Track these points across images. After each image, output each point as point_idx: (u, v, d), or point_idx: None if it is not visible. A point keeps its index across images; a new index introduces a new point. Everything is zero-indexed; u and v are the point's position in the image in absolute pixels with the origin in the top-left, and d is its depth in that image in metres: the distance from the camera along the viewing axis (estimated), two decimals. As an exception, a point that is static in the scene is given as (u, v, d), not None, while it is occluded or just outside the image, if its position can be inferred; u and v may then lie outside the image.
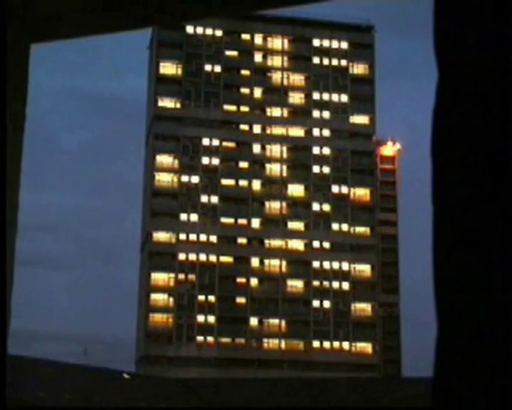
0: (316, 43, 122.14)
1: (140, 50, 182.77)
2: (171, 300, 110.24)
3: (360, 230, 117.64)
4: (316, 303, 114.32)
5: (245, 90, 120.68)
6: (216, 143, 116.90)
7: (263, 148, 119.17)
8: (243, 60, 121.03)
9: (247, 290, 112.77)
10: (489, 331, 1.03)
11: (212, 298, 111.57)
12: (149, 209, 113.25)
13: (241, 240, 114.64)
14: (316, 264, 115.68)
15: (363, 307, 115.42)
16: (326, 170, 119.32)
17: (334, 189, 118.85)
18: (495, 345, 1.02)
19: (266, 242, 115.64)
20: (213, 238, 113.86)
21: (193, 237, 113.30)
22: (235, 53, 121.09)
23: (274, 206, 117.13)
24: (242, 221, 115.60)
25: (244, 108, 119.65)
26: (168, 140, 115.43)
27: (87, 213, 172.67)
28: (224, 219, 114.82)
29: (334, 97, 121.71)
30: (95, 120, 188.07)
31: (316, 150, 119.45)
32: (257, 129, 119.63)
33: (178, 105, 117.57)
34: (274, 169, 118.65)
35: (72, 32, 2.79)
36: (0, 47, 2.51)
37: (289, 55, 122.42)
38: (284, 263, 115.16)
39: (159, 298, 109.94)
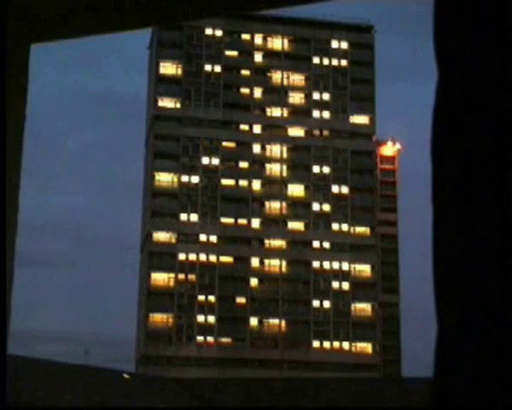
0: (316, 43, 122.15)
1: (140, 50, 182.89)
2: (171, 300, 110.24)
3: (360, 230, 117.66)
4: (316, 303, 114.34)
5: (245, 90, 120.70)
6: (216, 143, 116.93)
7: (263, 148, 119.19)
8: (243, 60, 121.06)
9: (247, 290, 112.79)
10: (489, 331, 1.03)
11: (212, 298, 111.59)
12: (149, 209, 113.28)
13: (241, 240, 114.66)
14: (316, 264, 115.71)
15: (363, 307, 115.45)
16: (326, 170, 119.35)
17: (334, 189, 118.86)
18: (495, 345, 1.02)
19: (266, 242, 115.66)
20: (213, 238, 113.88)
21: (193, 237, 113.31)
22: (235, 53, 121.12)
23: (274, 206, 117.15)
24: (242, 221, 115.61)
25: (244, 108, 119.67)
26: (168, 140, 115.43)
27: (87, 213, 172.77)
28: (223, 219, 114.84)
29: (334, 97, 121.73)
30: (96, 120, 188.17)
31: (316, 150, 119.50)
32: (257, 129, 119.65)
33: (178, 105, 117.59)
34: (274, 169, 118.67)
35: (73, 32, 2.79)
36: (0, 47, 2.51)
37: (289, 55, 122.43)
38: (284, 263, 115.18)
39: (159, 298, 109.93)
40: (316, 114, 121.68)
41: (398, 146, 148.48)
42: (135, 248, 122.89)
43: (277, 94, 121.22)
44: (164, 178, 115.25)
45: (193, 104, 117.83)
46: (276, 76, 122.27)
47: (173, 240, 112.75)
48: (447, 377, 1.05)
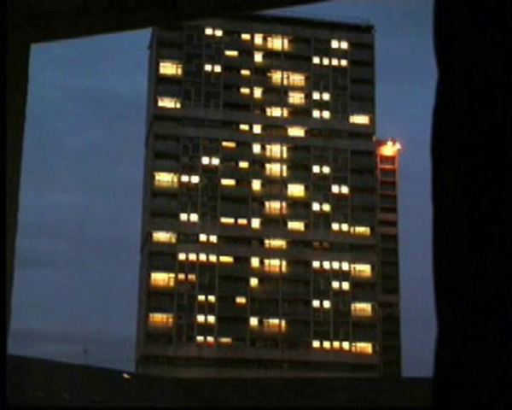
0: (316, 43, 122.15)
1: (140, 50, 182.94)
2: (171, 300, 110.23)
3: (360, 230, 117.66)
4: (316, 303, 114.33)
5: (245, 90, 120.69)
6: (216, 143, 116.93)
7: (263, 148, 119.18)
8: (243, 60, 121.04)
9: (247, 290, 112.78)
10: (489, 331, 1.02)
11: (212, 298, 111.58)
12: (149, 209, 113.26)
13: (241, 240, 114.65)
14: (316, 264, 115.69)
15: (363, 307, 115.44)
16: (326, 170, 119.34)
17: (334, 189, 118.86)
18: (495, 345, 1.01)
19: (266, 242, 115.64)
20: (213, 238, 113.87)
21: (193, 237, 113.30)
22: (235, 53, 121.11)
23: (274, 206, 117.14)
24: (242, 221, 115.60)
25: (244, 108, 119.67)
26: (168, 140, 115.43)
27: (87, 213, 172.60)
28: (223, 219, 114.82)
29: (334, 97, 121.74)
30: (96, 119, 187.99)
31: (316, 150, 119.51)
32: (257, 129, 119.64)
33: (178, 105, 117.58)
34: (274, 169, 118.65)
35: (73, 32, 2.79)
36: (0, 47, 2.51)
37: (289, 55, 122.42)
38: (284, 263, 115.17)
39: (159, 298, 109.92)
40: (316, 114, 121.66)
41: (398, 146, 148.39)
42: (135, 248, 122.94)
43: (277, 94, 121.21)
44: (164, 178, 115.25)
45: (193, 104, 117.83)
46: (276, 76, 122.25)
47: (173, 240, 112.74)
48: (447, 377, 1.05)
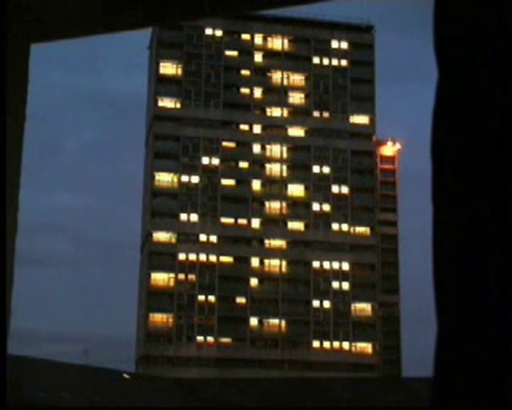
0: (316, 43, 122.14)
1: (140, 50, 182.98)
2: (171, 300, 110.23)
3: (360, 230, 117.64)
4: (316, 303, 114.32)
5: (245, 90, 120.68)
6: (216, 143, 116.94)
7: (263, 148, 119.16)
8: (243, 60, 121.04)
9: (247, 290, 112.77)
10: (489, 331, 1.02)
11: (212, 298, 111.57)
12: (149, 209, 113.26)
13: (241, 240, 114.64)
14: (316, 264, 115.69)
15: (363, 307, 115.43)
16: (326, 170, 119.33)
17: (334, 189, 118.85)
18: (495, 345, 1.02)
19: (266, 242, 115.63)
20: (213, 238, 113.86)
21: (193, 237, 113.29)
22: (235, 53, 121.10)
23: (274, 206, 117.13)
24: (242, 221, 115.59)
25: (244, 108, 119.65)
26: (168, 140, 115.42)
27: (87, 213, 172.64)
28: (223, 219, 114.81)
29: (334, 97, 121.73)
30: (96, 119, 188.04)
31: (316, 150, 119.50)
32: (257, 129, 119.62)
33: (178, 105, 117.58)
34: (274, 169, 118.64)
35: (73, 32, 2.79)
36: (0, 47, 2.51)
37: (289, 55, 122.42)
38: (284, 263, 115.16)
39: (159, 298, 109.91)
40: (316, 114, 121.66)
41: (398, 146, 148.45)
42: (135, 248, 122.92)
43: (277, 94, 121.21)
44: (164, 178, 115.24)
45: (193, 104, 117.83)
46: (276, 76, 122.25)
47: (173, 240, 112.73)
48: (447, 377, 1.05)
